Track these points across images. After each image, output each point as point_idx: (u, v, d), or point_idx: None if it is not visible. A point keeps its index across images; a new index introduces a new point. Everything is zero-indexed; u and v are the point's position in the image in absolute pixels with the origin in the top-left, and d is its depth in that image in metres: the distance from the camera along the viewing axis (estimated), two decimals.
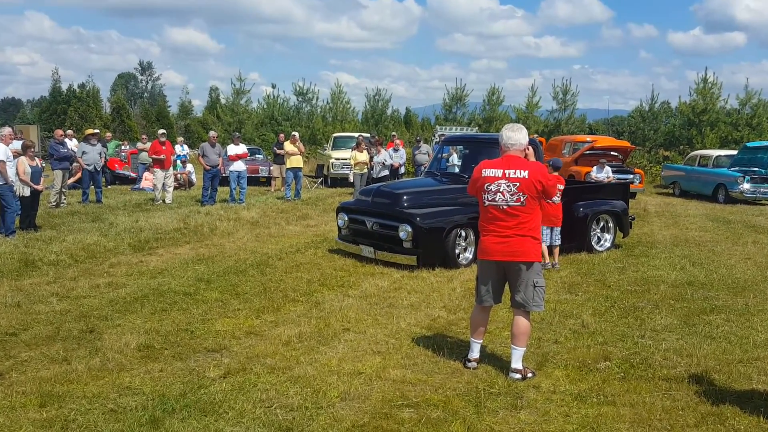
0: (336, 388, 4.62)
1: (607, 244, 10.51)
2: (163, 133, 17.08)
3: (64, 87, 42.94)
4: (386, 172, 17.59)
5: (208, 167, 15.87)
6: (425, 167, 19.18)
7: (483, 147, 10.29)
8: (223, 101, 40.32)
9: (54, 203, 14.39)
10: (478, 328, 5.11)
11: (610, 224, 10.59)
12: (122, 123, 40.71)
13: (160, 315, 6.45)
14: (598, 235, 10.48)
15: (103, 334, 5.80)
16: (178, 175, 20.61)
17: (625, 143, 21.92)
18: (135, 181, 20.74)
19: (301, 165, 17.82)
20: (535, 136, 21.26)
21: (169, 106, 60.33)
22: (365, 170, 17.32)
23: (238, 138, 16.90)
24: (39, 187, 11.40)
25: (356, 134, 23.19)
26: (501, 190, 4.81)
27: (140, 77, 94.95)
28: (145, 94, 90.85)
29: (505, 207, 4.80)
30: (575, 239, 10.12)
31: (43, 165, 13.12)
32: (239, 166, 16.31)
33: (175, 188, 19.76)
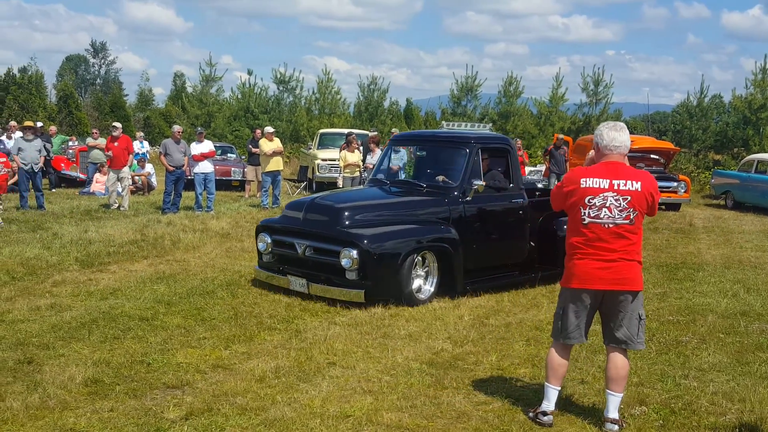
0: None
1: None
2: (115, 127, 17.08)
3: (2, 71, 43.03)
4: None
5: (172, 168, 15.93)
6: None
7: (444, 148, 9.70)
8: (189, 90, 40.47)
9: None
10: (559, 372, 5.03)
11: None
12: (70, 114, 40.76)
13: (112, 344, 6.46)
14: None
15: (43, 365, 5.81)
16: (136, 177, 20.64)
17: (668, 144, 22.07)
18: (84, 183, 20.78)
19: (281, 167, 17.86)
20: (561, 135, 21.50)
21: (126, 95, 60.70)
22: (357, 173, 17.37)
23: (201, 134, 16.96)
24: None
25: (346, 130, 23.27)
26: (608, 204, 4.74)
27: (92, 60, 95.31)
28: (98, 80, 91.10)
29: (611, 225, 4.74)
30: (557, 263, 9.26)
31: None
32: (206, 167, 16.38)
33: (133, 192, 19.80)
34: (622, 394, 4.92)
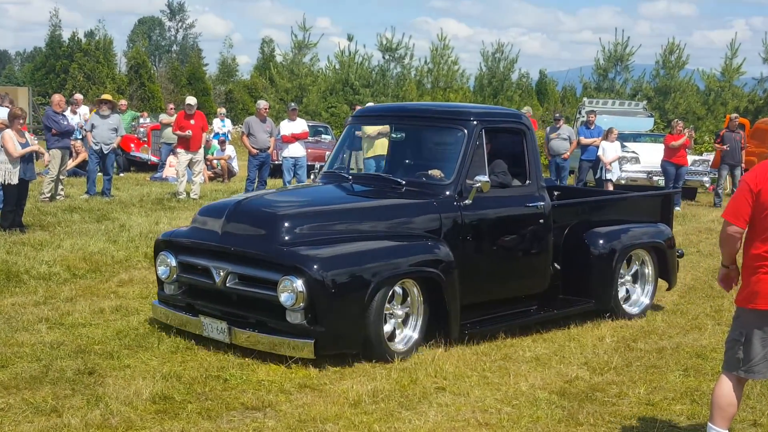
0: None
1: (646, 301, 8.74)
2: (190, 105, 17.50)
3: (66, 36, 45.45)
4: None
5: (255, 151, 16.28)
6: (564, 157, 18.85)
7: (431, 129, 8.38)
8: (279, 58, 41.40)
9: (48, 195, 15.02)
10: (728, 411, 4.88)
11: (646, 267, 8.81)
12: (142, 87, 42.47)
13: (184, 355, 6.67)
14: (628, 286, 8.72)
15: (106, 377, 6.06)
16: (215, 162, 21.19)
17: None
18: (156, 167, 21.44)
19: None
20: (735, 116, 20.71)
21: (206, 65, 62.76)
22: None
23: (294, 111, 17.26)
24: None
25: None
26: None
27: (168, 24, 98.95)
28: (174, 47, 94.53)
29: None
30: (591, 293, 8.37)
31: (36, 141, 13.81)
32: (296, 150, 16.68)
33: (212, 178, 20.38)
34: None
